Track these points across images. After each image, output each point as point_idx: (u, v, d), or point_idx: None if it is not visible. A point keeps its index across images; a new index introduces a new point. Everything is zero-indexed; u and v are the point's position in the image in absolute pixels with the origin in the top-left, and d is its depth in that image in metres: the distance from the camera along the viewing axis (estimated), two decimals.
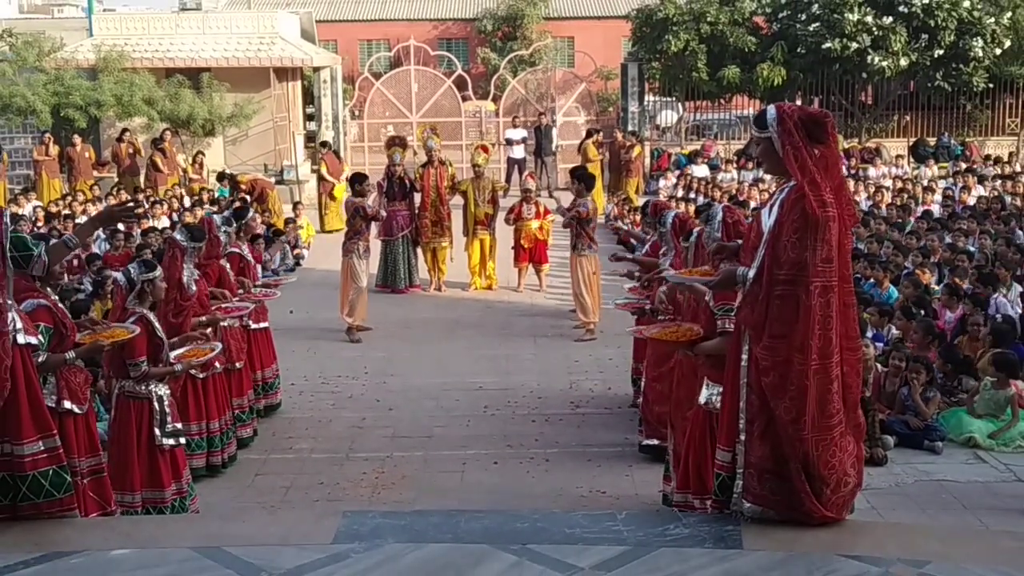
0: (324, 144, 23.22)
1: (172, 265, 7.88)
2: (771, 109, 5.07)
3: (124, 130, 22.86)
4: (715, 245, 6.14)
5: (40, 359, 5.64)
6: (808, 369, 4.88)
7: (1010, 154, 24.49)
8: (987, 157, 23.78)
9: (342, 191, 20.74)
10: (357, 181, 13.64)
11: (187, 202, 19.84)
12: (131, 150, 22.55)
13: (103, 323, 6.95)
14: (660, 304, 8.08)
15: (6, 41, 24.01)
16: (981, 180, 20.02)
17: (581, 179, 13.17)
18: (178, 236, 8.46)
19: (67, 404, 5.88)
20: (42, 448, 5.37)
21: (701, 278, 5.76)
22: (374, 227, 14.11)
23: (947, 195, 18.74)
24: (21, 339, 5.37)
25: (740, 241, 5.88)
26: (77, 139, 22.50)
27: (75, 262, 13.16)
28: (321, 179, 21.27)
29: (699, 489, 6.01)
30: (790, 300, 4.88)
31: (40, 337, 5.63)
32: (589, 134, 23.45)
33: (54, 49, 24.38)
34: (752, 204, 17.40)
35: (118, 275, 7.11)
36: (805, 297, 4.85)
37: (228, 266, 9.45)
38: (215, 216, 9.97)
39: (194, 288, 8.18)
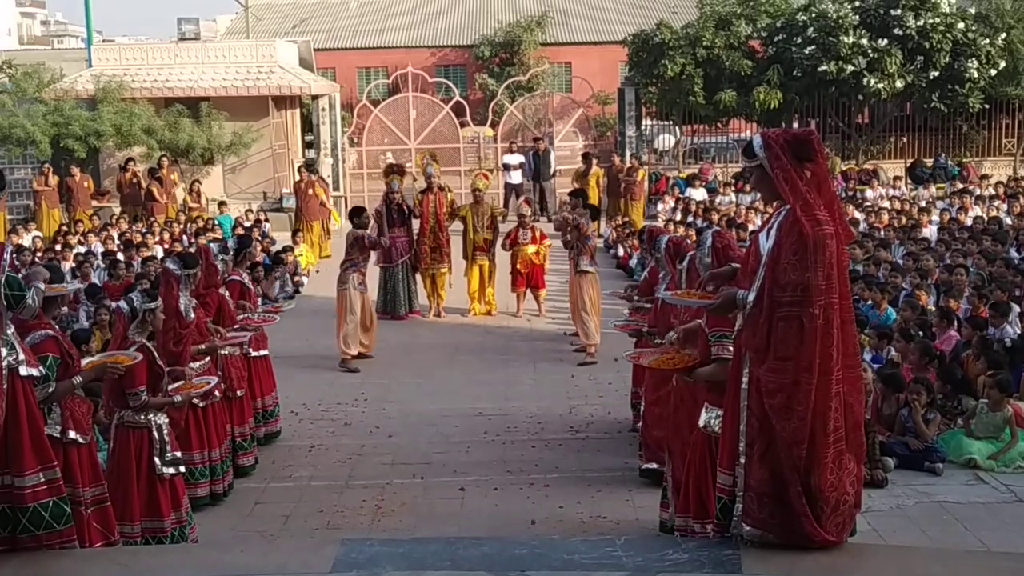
0: (310, 167, 23.01)
1: (168, 293, 7.88)
2: (756, 137, 5.14)
3: (129, 159, 22.95)
4: (707, 275, 6.14)
5: (49, 389, 5.65)
6: (813, 389, 4.89)
7: (1008, 177, 24.50)
8: (982, 176, 23.83)
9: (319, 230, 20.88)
10: (356, 214, 13.65)
11: (189, 229, 19.85)
12: (134, 179, 22.62)
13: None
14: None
15: (6, 72, 24.19)
16: (987, 200, 20.04)
17: (586, 206, 13.18)
18: (170, 264, 8.46)
19: (72, 434, 5.89)
20: (42, 480, 5.38)
21: (700, 301, 5.77)
22: (372, 256, 14.11)
23: (944, 216, 18.77)
24: (23, 371, 5.39)
25: (733, 265, 5.89)
26: (75, 170, 22.56)
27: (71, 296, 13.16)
28: (321, 204, 21.32)
29: (699, 513, 6.00)
30: (794, 321, 4.90)
31: (41, 368, 5.63)
32: (587, 158, 23.27)
33: (53, 80, 24.54)
34: (751, 227, 17.41)
35: (121, 304, 7.12)
36: (808, 318, 4.87)
37: (228, 294, 9.45)
38: (212, 244, 9.98)
39: (192, 315, 8.18)
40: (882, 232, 17.54)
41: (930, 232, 17.44)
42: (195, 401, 8.02)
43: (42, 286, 5.65)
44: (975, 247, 14.95)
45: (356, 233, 13.18)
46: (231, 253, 9.90)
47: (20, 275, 5.67)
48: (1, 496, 5.31)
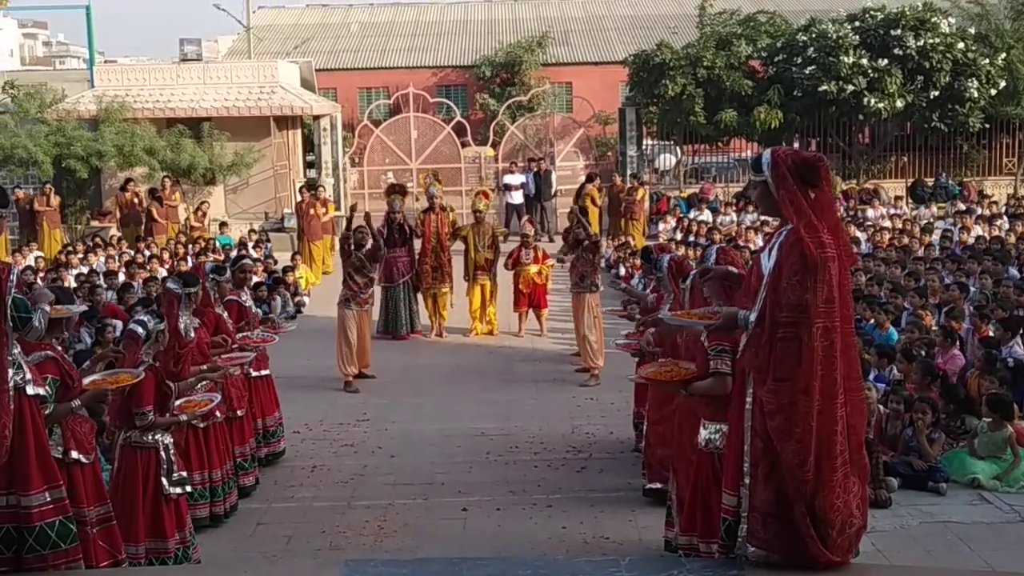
0: (311, 187, 23.22)
1: (169, 313, 7.87)
2: (766, 154, 5.13)
3: (128, 180, 22.99)
4: (701, 267, 6.15)
5: (47, 411, 5.65)
6: (812, 411, 4.88)
7: (1009, 196, 24.54)
8: (981, 193, 23.88)
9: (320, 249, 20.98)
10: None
11: (190, 250, 19.87)
12: (134, 200, 22.65)
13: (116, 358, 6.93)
14: (647, 346, 8.20)
15: (8, 93, 24.26)
16: (989, 220, 20.04)
17: (580, 220, 13.45)
18: (171, 284, 8.46)
19: (74, 454, 5.89)
20: (48, 499, 5.39)
21: (701, 321, 5.76)
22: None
23: (945, 235, 18.78)
24: (30, 390, 5.40)
25: (730, 268, 5.90)
26: (48, 188, 22.56)
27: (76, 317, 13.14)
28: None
29: (705, 532, 5.96)
30: (793, 342, 4.89)
31: (48, 389, 5.64)
32: (590, 179, 23.42)
33: (56, 100, 24.61)
34: (751, 247, 17.41)
35: (136, 327, 7.12)
36: (807, 339, 4.86)
37: (226, 314, 9.43)
38: (207, 264, 9.96)
39: (192, 335, 8.17)
40: (883, 251, 17.54)
41: (935, 252, 17.43)
42: (195, 422, 8.00)
43: (47, 308, 5.67)
44: (976, 266, 14.96)
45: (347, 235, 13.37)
46: (227, 273, 9.86)
47: (27, 296, 5.68)
48: (7, 516, 5.31)
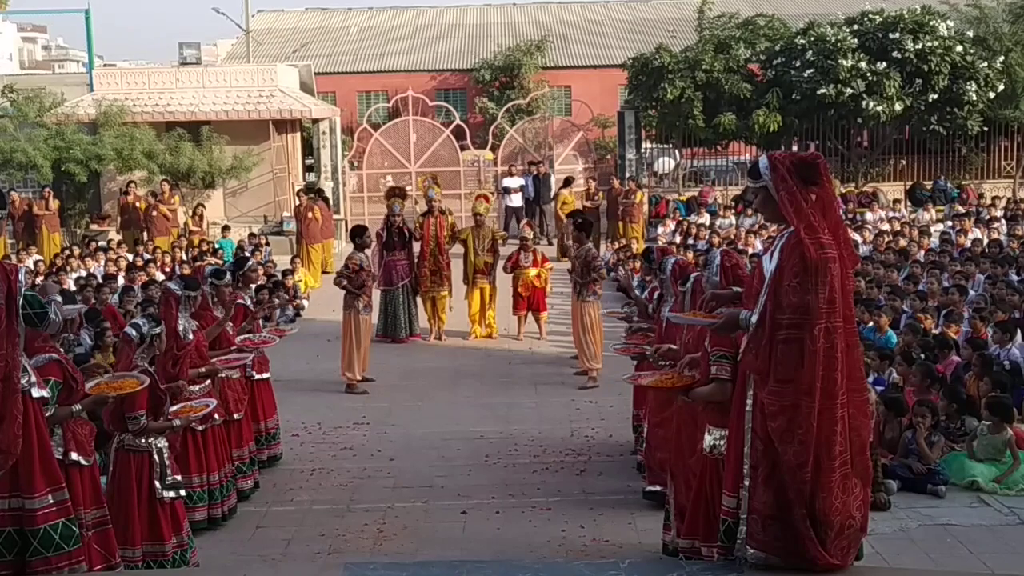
0: (310, 190, 23.38)
1: (167, 314, 7.87)
2: (763, 159, 5.14)
3: (130, 182, 22.98)
4: (709, 293, 6.14)
5: (48, 412, 5.65)
6: (814, 412, 4.88)
7: (1008, 199, 24.54)
8: (981, 196, 23.89)
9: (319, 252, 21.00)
10: (357, 235, 13.68)
11: (187, 255, 19.85)
12: (136, 203, 22.65)
13: (111, 373, 6.94)
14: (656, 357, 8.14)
15: (7, 97, 24.25)
16: (987, 223, 20.05)
17: (580, 227, 13.31)
18: (172, 285, 8.47)
19: (74, 456, 5.89)
20: (52, 501, 5.39)
21: (703, 320, 5.76)
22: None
23: (944, 238, 18.79)
24: (36, 393, 5.41)
25: (736, 288, 5.90)
26: (47, 192, 22.55)
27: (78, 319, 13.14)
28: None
29: (708, 536, 5.95)
30: (795, 344, 4.89)
31: (49, 391, 5.64)
32: (567, 183, 23.55)
33: (55, 104, 24.61)
34: (751, 251, 17.41)
35: (129, 330, 7.11)
36: (810, 340, 4.86)
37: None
38: (207, 268, 9.98)
39: (191, 337, 8.17)
40: (881, 255, 17.54)
41: (934, 255, 17.42)
42: (193, 425, 7.99)
43: (60, 299, 5.69)
44: (974, 268, 14.97)
45: (355, 260, 13.19)
46: (226, 276, 9.84)
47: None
48: (9, 519, 5.30)
